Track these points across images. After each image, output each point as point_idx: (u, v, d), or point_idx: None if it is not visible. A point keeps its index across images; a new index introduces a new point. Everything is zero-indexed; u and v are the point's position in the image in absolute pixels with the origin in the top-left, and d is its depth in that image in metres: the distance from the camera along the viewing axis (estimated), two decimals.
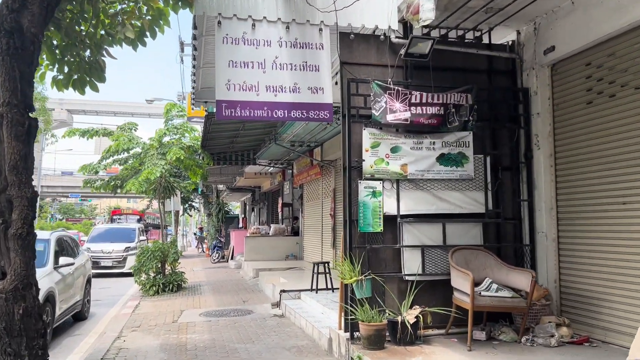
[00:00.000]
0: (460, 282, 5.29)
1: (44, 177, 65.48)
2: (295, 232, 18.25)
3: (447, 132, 5.96)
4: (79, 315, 9.50)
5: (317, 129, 11.72)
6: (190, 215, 41.69)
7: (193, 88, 8.27)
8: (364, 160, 5.73)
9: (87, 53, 5.97)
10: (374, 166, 5.71)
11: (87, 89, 6.04)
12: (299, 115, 5.59)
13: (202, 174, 13.40)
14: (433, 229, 5.89)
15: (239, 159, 17.16)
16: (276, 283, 11.22)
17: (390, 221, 5.79)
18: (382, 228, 5.67)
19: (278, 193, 23.08)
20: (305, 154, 14.48)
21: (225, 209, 26.26)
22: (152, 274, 12.35)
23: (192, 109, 21.07)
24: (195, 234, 39.15)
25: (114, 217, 32.43)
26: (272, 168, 19.04)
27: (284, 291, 9.08)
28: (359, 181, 5.70)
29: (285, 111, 5.55)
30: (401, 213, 5.81)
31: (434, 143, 5.94)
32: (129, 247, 18.66)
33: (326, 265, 9.18)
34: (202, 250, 31.94)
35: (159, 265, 12.37)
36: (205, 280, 14.67)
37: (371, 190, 5.66)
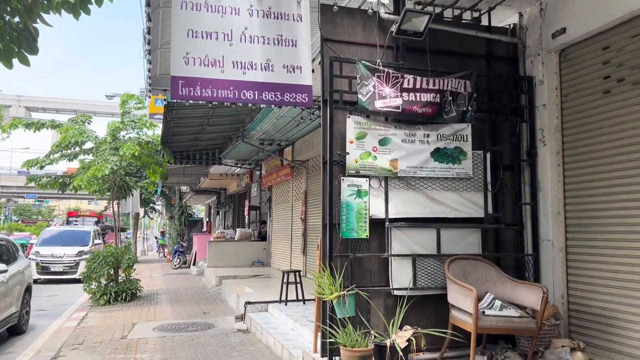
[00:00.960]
0: (461, 299, 4.48)
1: None
2: (263, 237, 17.25)
3: (443, 124, 5.16)
4: (15, 329, 8.30)
5: (288, 125, 10.83)
6: (151, 218, 40.02)
7: (149, 71, 7.26)
8: (347, 153, 4.85)
9: (16, 19, 4.94)
10: (359, 161, 4.84)
11: (16, 61, 5.00)
12: (271, 97, 4.70)
13: (162, 173, 12.29)
14: (426, 235, 5.06)
15: (204, 158, 16.07)
16: (241, 293, 10.24)
17: (377, 226, 4.94)
18: (367, 234, 4.81)
19: (245, 196, 22.03)
20: (275, 154, 13.56)
21: (189, 211, 24.98)
22: (104, 282, 11.17)
23: (155, 103, 19.88)
24: (156, 237, 37.55)
25: (70, 218, 30.60)
26: (239, 169, 18.01)
27: (249, 303, 8.12)
28: (341, 178, 4.82)
29: (256, 93, 4.66)
30: (390, 216, 4.96)
31: (428, 135, 5.12)
32: (82, 251, 17.28)
33: (297, 274, 8.28)
34: (164, 255, 30.49)
35: (112, 272, 11.21)
36: (163, 288, 13.52)
37: (356, 189, 4.80)
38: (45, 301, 12.54)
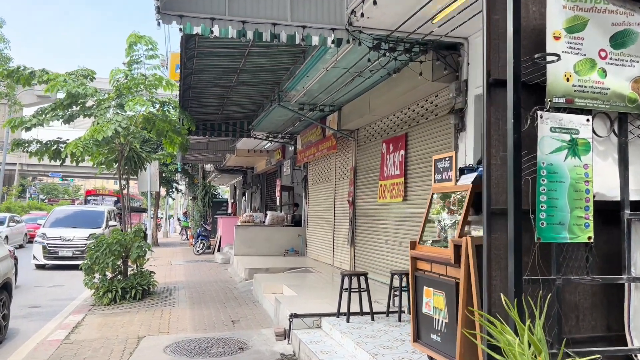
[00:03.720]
0: None
1: (24, 154, 61.70)
2: (297, 222, 15.05)
3: None
4: None
5: (339, 81, 8.47)
6: (173, 199, 38.29)
7: None
8: (550, 59, 2.46)
9: None
10: (572, 77, 2.48)
11: None
12: None
13: (181, 143, 10.09)
14: None
15: (230, 130, 13.87)
16: (278, 294, 8.05)
17: (604, 217, 2.57)
18: (591, 234, 2.46)
19: (275, 175, 19.83)
20: (316, 122, 11.22)
21: (213, 192, 22.95)
22: (110, 275, 9.12)
23: (177, 70, 17.63)
24: (179, 219, 35.76)
25: (89, 197, 28.93)
26: (269, 143, 15.77)
27: (295, 316, 5.89)
28: (538, 114, 2.45)
29: None
30: (632, 197, 2.58)
31: None
32: (94, 234, 15.32)
33: (361, 279, 6.00)
34: (186, 237, 28.66)
35: (119, 263, 9.14)
36: (183, 281, 11.44)
37: (567, 136, 2.43)
38: (44, 293, 10.59)
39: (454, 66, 6.70)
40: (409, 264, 4.31)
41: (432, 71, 6.74)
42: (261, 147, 17.07)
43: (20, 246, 21.59)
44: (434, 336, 3.92)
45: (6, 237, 18.99)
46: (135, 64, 8.47)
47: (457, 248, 3.46)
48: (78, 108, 8.36)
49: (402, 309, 5.85)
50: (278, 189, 16.17)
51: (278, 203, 17.02)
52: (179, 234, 32.26)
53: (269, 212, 15.22)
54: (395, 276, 5.95)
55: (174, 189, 26.88)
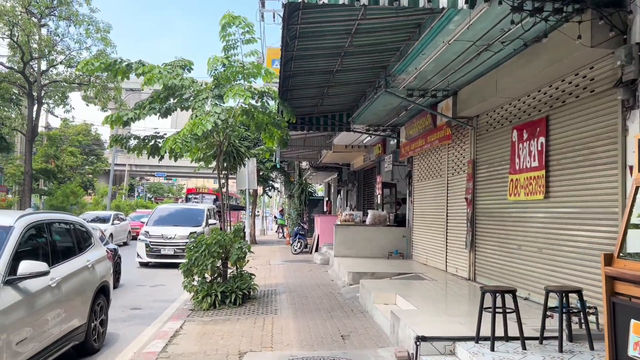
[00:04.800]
0: None
1: (133, 155, 66.11)
2: (400, 222, 13.90)
3: None
4: (84, 348, 5.91)
5: (460, 58, 7.24)
6: (270, 197, 38.54)
7: None
8: None
9: None
10: None
11: None
12: None
13: (281, 137, 9.38)
14: None
15: (329, 123, 13.05)
16: (393, 306, 7.02)
17: None
18: None
19: (373, 172, 18.80)
20: (428, 109, 10.00)
21: (309, 189, 22.39)
22: (209, 277, 8.61)
23: (273, 64, 17.18)
24: (275, 217, 35.88)
25: (189, 196, 29.76)
26: (368, 137, 14.76)
27: (424, 339, 4.80)
28: None
29: None
30: None
31: None
32: (195, 232, 15.29)
33: (507, 297, 4.77)
34: (283, 235, 28.48)
35: (218, 265, 8.60)
36: (283, 283, 10.77)
37: None
38: (146, 294, 10.42)
39: (620, 27, 5.25)
40: (602, 284, 3.08)
41: (591, 35, 5.33)
42: (359, 142, 16.11)
43: (125, 243, 22.19)
44: None
45: (111, 234, 19.35)
46: (232, 49, 7.80)
47: None
48: (175, 100, 7.88)
49: (562, 334, 4.56)
50: (379, 186, 15.10)
51: (378, 201, 15.95)
52: (276, 231, 32.27)
53: (369, 211, 14.20)
54: (552, 294, 4.67)
55: (270, 187, 26.77)
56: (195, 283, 8.53)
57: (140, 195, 77.14)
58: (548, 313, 4.86)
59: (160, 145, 7.84)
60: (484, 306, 4.74)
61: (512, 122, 7.72)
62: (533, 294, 6.89)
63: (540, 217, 6.84)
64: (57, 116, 42.92)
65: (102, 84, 23.72)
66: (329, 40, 7.34)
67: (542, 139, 6.74)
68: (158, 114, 7.80)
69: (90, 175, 48.12)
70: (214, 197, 29.46)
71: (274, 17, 19.84)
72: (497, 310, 4.60)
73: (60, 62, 24.69)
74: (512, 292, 4.75)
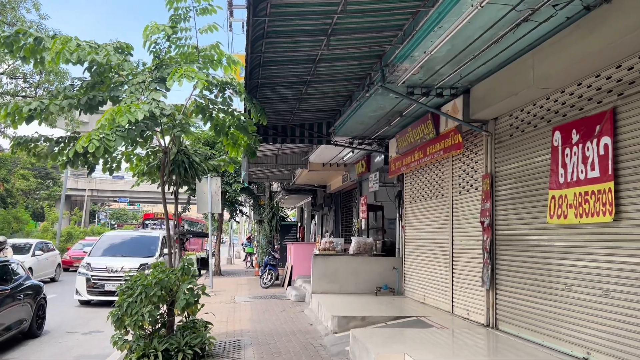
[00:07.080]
0: None
1: (94, 180, 62.67)
2: (387, 250, 11.93)
3: None
4: None
5: (485, 37, 5.43)
6: (237, 222, 36.15)
7: None
8: None
9: None
10: None
11: None
12: None
13: (248, 144, 7.37)
14: None
15: (306, 134, 11.14)
16: None
17: None
18: None
19: (352, 194, 16.88)
20: (435, 110, 8.13)
21: (281, 214, 20.28)
22: (149, 328, 6.39)
23: (242, 74, 15.23)
24: (243, 245, 33.44)
25: (147, 221, 27.18)
26: (351, 153, 12.87)
27: None
28: None
29: None
30: None
31: None
32: (146, 264, 12.99)
33: None
34: (251, 264, 26.15)
35: (162, 313, 6.42)
36: (249, 330, 8.57)
37: None
38: (72, 347, 8.11)
39: None
40: None
41: None
42: (339, 158, 14.23)
43: (52, 279, 18.71)
44: None
45: (30, 268, 15.30)
46: (182, 21, 5.79)
47: None
48: (104, 89, 5.74)
49: None
50: (363, 208, 13.13)
51: (362, 226, 13.97)
52: (243, 260, 29.86)
53: (353, 238, 12.19)
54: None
55: (238, 212, 24.49)
56: (129, 337, 6.31)
57: (102, 221, 73.27)
58: None
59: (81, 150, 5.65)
60: None
61: (551, 122, 5.90)
62: (595, 353, 4.98)
63: (606, 246, 4.97)
64: (7, 136, 39.71)
65: (49, 95, 21.23)
66: (308, 21, 5.45)
67: (606, 140, 4.91)
68: (79, 108, 5.66)
69: (46, 201, 44.81)
70: (175, 222, 27.01)
71: (243, 27, 17.55)
72: None
73: (2, 73, 22.19)
74: None
